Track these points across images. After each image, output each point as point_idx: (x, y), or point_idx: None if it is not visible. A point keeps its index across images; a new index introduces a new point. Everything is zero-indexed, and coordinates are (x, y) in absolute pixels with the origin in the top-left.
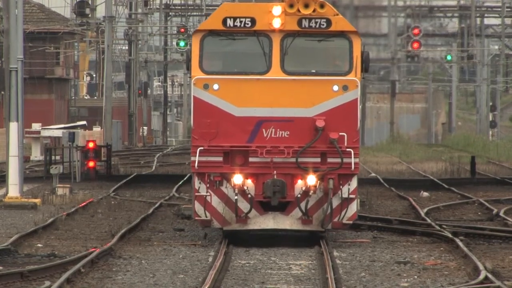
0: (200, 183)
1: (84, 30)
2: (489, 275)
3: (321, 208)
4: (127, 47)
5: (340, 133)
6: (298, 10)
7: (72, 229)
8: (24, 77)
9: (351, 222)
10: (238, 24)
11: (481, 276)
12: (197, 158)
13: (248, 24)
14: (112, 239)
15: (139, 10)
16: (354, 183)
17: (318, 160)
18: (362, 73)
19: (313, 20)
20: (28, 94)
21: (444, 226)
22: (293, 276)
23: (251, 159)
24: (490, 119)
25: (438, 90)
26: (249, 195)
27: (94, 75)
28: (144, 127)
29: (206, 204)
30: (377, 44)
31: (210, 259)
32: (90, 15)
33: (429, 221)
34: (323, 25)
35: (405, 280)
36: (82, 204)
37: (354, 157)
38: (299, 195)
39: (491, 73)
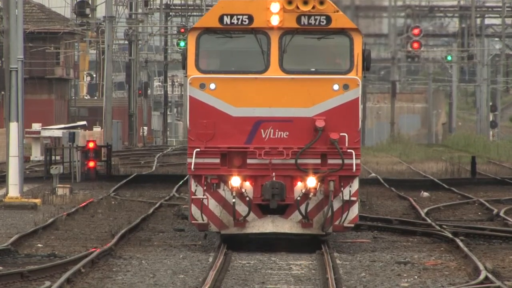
0: (196, 185)
1: (84, 30)
2: (489, 275)
3: (321, 211)
4: (127, 47)
5: (341, 134)
6: (297, 7)
7: (72, 229)
8: (24, 77)
9: (352, 225)
10: (235, 21)
11: (481, 276)
12: (193, 160)
13: (245, 21)
14: (112, 239)
15: (139, 10)
16: (355, 185)
17: (318, 161)
18: (363, 72)
19: (312, 17)
20: (28, 94)
21: (445, 226)
22: (293, 276)
23: (249, 161)
24: (491, 119)
25: (438, 90)
26: (247, 198)
27: (94, 75)
28: (144, 127)
29: (203, 208)
30: (378, 44)
31: (210, 259)
32: (90, 15)
33: (429, 221)
34: (322, 22)
35: (405, 280)
36: (82, 204)
37: (355, 158)
38: (298, 198)
39: (491, 73)
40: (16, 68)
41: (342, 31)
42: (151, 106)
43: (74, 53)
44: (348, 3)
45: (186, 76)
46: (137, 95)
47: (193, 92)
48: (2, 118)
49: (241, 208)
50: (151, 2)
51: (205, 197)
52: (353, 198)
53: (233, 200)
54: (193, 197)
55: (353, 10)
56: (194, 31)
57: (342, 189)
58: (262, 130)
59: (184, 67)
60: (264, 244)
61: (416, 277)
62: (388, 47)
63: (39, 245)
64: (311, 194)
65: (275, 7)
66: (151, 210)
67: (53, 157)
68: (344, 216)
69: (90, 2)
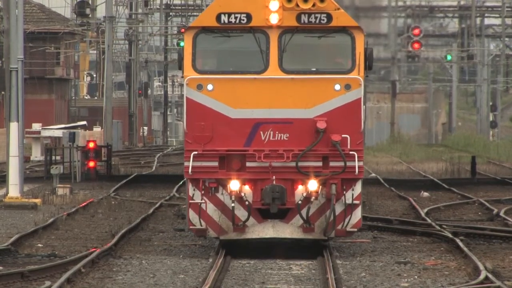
0: (194, 189)
1: (85, 30)
2: (489, 275)
3: (323, 215)
4: (127, 47)
5: (343, 135)
6: (297, 5)
7: (73, 229)
8: (25, 77)
9: (355, 229)
10: (233, 20)
11: (481, 276)
12: (190, 163)
13: (243, 20)
14: (113, 239)
15: (140, 10)
16: (358, 188)
17: (320, 164)
18: (366, 71)
19: (312, 15)
20: (28, 94)
21: (444, 226)
22: (294, 276)
23: (248, 164)
24: (491, 119)
25: (438, 90)
26: (247, 202)
27: (95, 75)
28: (145, 127)
29: (201, 212)
30: (378, 44)
31: (211, 259)
32: (90, 15)
33: (429, 221)
34: (323, 20)
35: (405, 280)
36: (83, 204)
37: (358, 161)
38: (299, 202)
39: (491, 73)
40: (16, 68)
41: (343, 29)
42: (151, 106)
43: (74, 53)
44: (348, 3)
45: (182, 77)
46: (137, 95)
47: (190, 93)
48: (2, 118)
49: (241, 213)
50: (151, 2)
51: (203, 201)
52: (356, 202)
53: (232, 204)
54: (190, 201)
55: (353, 10)
56: (191, 30)
57: (344, 192)
58: (261, 132)
59: (181, 67)
60: (265, 244)
61: (416, 277)
62: (388, 47)
63: (39, 245)
64: (313, 198)
65: (274, 5)
66: (151, 210)
67: (53, 157)
68: (346, 220)
69: (90, 2)
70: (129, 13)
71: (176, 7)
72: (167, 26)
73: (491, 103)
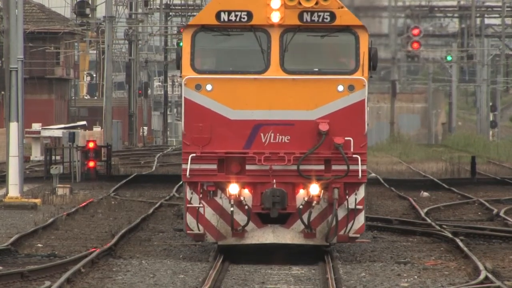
0: (192, 193)
1: (84, 30)
2: (489, 275)
3: (325, 221)
4: (127, 47)
5: (346, 138)
6: (299, 3)
7: (72, 229)
8: (24, 77)
9: (358, 235)
10: (233, 18)
11: (481, 276)
12: (188, 166)
13: (244, 18)
14: (112, 239)
15: (139, 10)
16: (361, 192)
17: (322, 167)
18: (370, 72)
19: (315, 14)
20: (28, 94)
21: (444, 226)
22: (293, 276)
23: (248, 167)
24: (491, 119)
25: (438, 90)
26: (246, 207)
27: (94, 75)
28: (144, 127)
29: (199, 217)
30: (378, 44)
31: (210, 259)
32: (90, 15)
33: (429, 221)
34: (326, 19)
35: (405, 280)
36: (82, 204)
37: (361, 164)
38: (301, 206)
39: (491, 73)
40: (16, 68)
41: (347, 28)
42: (151, 106)
43: (74, 53)
44: (347, 3)
45: (181, 77)
46: (137, 95)
47: (188, 93)
48: (2, 118)
49: (240, 217)
50: (151, 2)
51: (201, 205)
52: (359, 207)
53: (231, 208)
54: (188, 205)
55: (352, 10)
56: (189, 28)
57: (347, 197)
58: (261, 134)
59: (179, 66)
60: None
61: (416, 277)
62: (388, 47)
63: (39, 245)
64: (314, 202)
65: (275, 3)
66: (151, 210)
67: (53, 157)
68: (349, 225)
69: (90, 2)
70: (129, 13)
71: (176, 7)
72: (167, 26)
73: (491, 103)
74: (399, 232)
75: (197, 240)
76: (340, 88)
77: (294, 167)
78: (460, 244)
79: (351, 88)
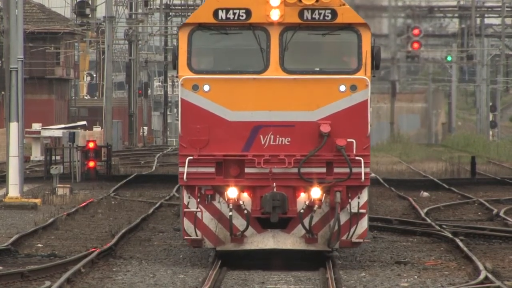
0: (189, 197)
1: (84, 30)
2: (489, 275)
3: (327, 225)
4: (127, 47)
5: (348, 140)
6: (299, 0)
7: (72, 229)
8: (24, 77)
9: (361, 240)
10: (231, 16)
11: (481, 276)
12: (185, 169)
13: (242, 16)
14: (112, 239)
15: (139, 10)
16: (364, 195)
17: (324, 170)
18: (373, 71)
19: (316, 11)
20: (28, 94)
21: (444, 226)
22: (293, 276)
23: (247, 170)
24: (490, 119)
25: (438, 90)
26: (246, 211)
27: (94, 75)
28: (145, 127)
29: (197, 222)
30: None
31: (210, 259)
32: (90, 15)
33: (429, 221)
34: (327, 16)
35: (405, 280)
36: (82, 204)
37: (364, 167)
38: (302, 211)
39: (491, 73)
40: (16, 68)
41: (349, 27)
42: (151, 106)
43: (74, 53)
44: (348, 2)
45: (177, 77)
46: (137, 95)
47: (185, 94)
48: (2, 118)
49: (239, 222)
50: (151, 2)
51: (198, 210)
52: (362, 211)
53: (230, 213)
54: (185, 210)
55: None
56: (186, 27)
57: (349, 200)
58: (261, 136)
59: (175, 66)
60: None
61: (416, 277)
62: (388, 47)
63: (39, 245)
64: (316, 206)
65: (275, 0)
66: (151, 210)
67: (53, 157)
68: (352, 230)
69: (90, 2)
70: (129, 13)
71: (176, 7)
72: (167, 26)
73: (490, 103)
74: (399, 232)
75: (195, 246)
76: (342, 88)
77: (295, 170)
78: (460, 244)
79: (353, 88)
